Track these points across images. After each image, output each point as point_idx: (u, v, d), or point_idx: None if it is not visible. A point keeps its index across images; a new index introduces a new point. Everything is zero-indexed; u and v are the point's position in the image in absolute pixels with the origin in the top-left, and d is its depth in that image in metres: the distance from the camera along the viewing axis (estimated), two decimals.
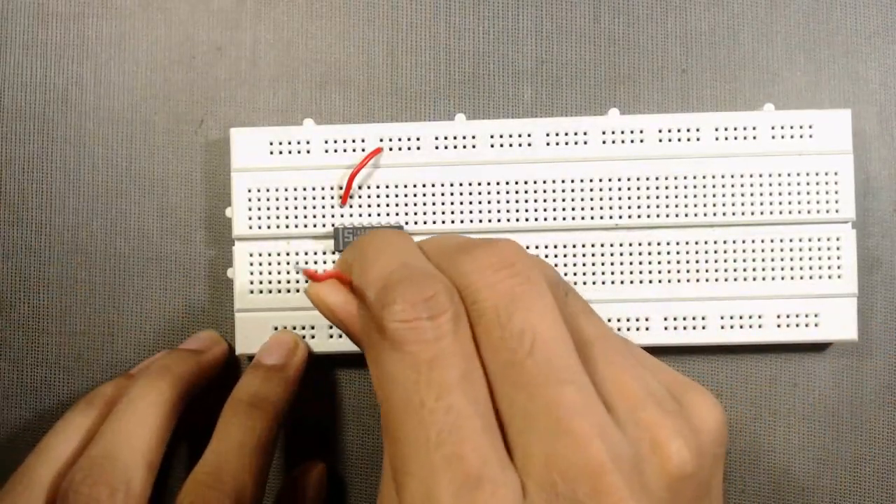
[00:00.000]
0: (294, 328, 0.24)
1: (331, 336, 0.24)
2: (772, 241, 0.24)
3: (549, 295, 0.15)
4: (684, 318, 0.24)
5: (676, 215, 0.24)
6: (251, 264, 0.24)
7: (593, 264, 0.24)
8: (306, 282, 0.24)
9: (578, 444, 0.13)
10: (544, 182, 0.24)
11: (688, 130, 0.24)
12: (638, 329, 0.24)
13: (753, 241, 0.24)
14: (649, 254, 0.24)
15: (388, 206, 0.24)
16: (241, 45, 0.26)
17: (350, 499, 0.26)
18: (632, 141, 0.24)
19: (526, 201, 0.24)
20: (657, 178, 0.24)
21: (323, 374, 0.26)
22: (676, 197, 0.24)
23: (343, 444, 0.26)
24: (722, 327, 0.24)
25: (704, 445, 0.15)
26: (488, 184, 0.24)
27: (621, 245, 0.24)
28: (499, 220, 0.24)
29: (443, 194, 0.24)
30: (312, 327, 0.24)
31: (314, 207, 0.24)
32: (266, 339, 0.24)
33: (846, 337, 0.24)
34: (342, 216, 0.24)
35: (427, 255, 0.17)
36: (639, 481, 0.13)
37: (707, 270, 0.24)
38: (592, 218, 0.24)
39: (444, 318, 0.14)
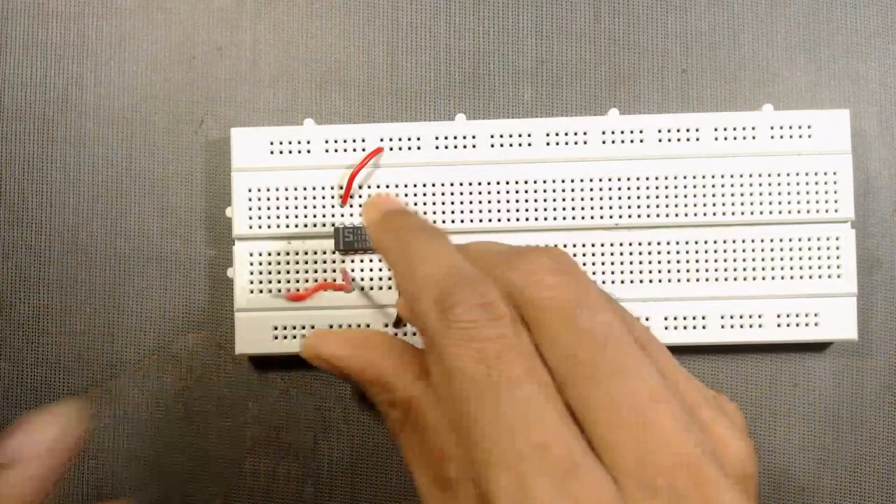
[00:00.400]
0: (294, 328, 0.24)
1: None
2: (771, 240, 0.24)
3: (605, 299, 0.15)
4: (684, 318, 0.24)
5: (676, 215, 0.24)
6: (251, 264, 0.24)
7: (593, 264, 0.24)
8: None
9: (669, 437, 0.13)
10: (544, 182, 0.24)
11: (687, 130, 0.24)
12: None
13: (753, 241, 0.24)
14: (649, 254, 0.24)
15: None
16: (241, 45, 0.26)
17: (350, 499, 0.26)
18: (632, 141, 0.24)
19: (526, 201, 0.24)
20: (657, 178, 0.24)
21: (323, 374, 0.26)
22: (676, 197, 0.24)
23: (343, 445, 0.26)
24: (722, 327, 0.24)
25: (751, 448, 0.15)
26: (488, 184, 0.24)
27: (621, 245, 0.24)
28: (499, 220, 0.24)
29: (443, 194, 0.24)
30: (312, 327, 0.24)
31: (314, 207, 0.24)
32: (266, 339, 0.24)
33: (846, 337, 0.24)
34: (342, 216, 0.24)
35: (471, 257, 0.17)
36: (724, 474, 0.13)
37: (707, 270, 0.24)
38: (592, 218, 0.24)
39: (504, 320, 0.15)
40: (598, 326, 0.14)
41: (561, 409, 0.14)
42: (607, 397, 0.14)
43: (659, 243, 0.24)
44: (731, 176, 0.24)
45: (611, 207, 0.24)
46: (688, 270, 0.24)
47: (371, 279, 0.24)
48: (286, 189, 0.24)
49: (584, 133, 0.24)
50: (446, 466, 0.16)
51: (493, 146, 0.25)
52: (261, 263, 0.24)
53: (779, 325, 0.24)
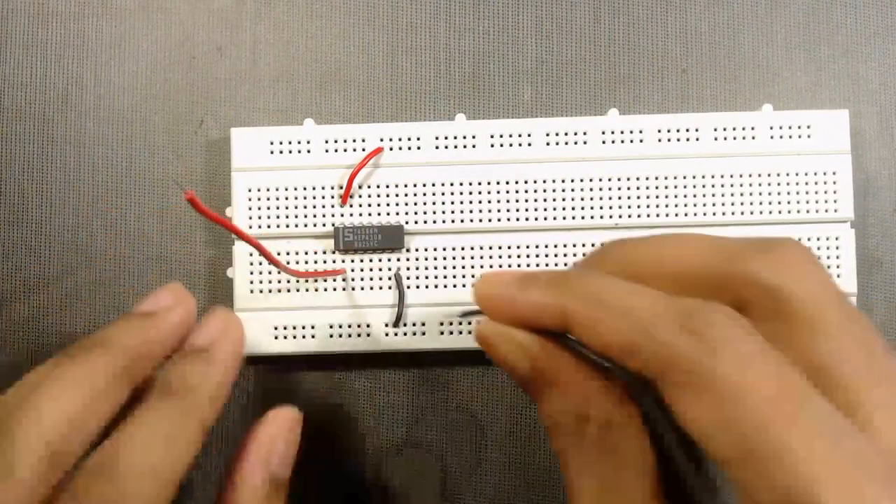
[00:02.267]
0: (294, 328, 0.24)
1: (331, 336, 0.24)
2: None
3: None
4: None
5: (676, 215, 0.24)
6: (251, 264, 0.24)
7: None
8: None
9: None
10: (544, 182, 0.24)
11: (687, 130, 0.24)
12: None
13: None
14: None
15: (388, 205, 0.24)
16: (241, 45, 0.26)
17: (351, 500, 0.26)
18: (631, 141, 0.24)
19: (526, 201, 0.24)
20: (657, 178, 0.24)
21: (323, 374, 0.26)
22: (676, 197, 0.24)
23: (343, 445, 0.26)
24: None
25: None
26: (488, 184, 0.24)
27: None
28: (499, 220, 0.24)
29: (443, 194, 0.24)
30: (313, 327, 0.24)
31: (314, 207, 0.24)
32: (266, 339, 0.24)
33: None
34: (342, 216, 0.24)
35: (674, 262, 0.16)
36: None
37: None
38: (592, 218, 0.24)
39: (757, 332, 0.14)
40: (864, 327, 0.14)
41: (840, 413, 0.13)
42: (885, 399, 0.13)
43: None
44: (731, 176, 0.24)
45: (611, 207, 0.24)
46: None
47: (371, 279, 0.24)
48: (286, 189, 0.24)
49: (584, 133, 0.25)
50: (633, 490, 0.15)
51: (493, 146, 0.25)
52: (261, 263, 0.24)
53: None
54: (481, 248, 0.24)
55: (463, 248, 0.24)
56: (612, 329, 0.15)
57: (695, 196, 0.24)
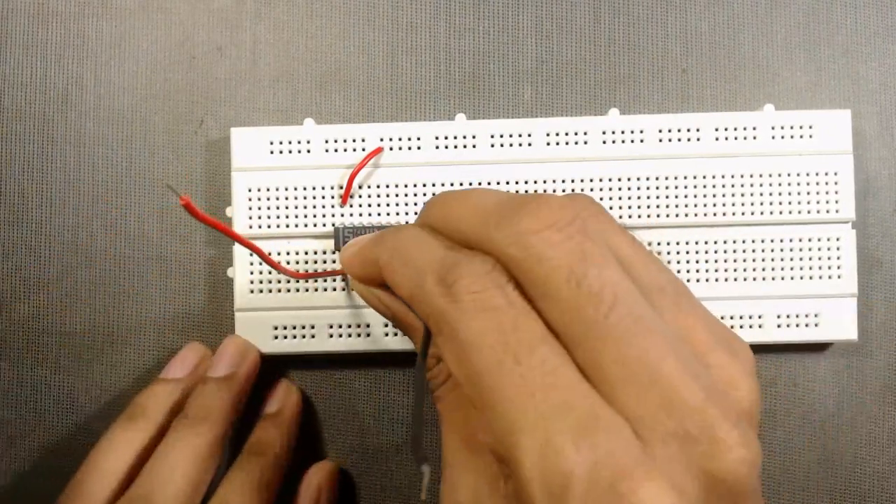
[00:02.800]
0: (294, 327, 0.24)
1: (330, 336, 0.24)
2: (772, 241, 0.24)
3: (610, 251, 0.15)
4: None
5: (676, 215, 0.24)
6: (251, 264, 0.24)
7: None
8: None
9: (677, 386, 0.14)
10: (544, 182, 0.24)
11: (688, 130, 0.24)
12: None
13: (753, 241, 0.24)
14: None
15: (388, 205, 0.24)
16: (241, 45, 0.26)
17: (351, 500, 0.26)
18: (632, 141, 0.24)
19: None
20: (657, 178, 0.24)
21: (323, 374, 0.26)
22: (676, 197, 0.24)
23: (343, 445, 0.26)
24: None
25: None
26: (488, 183, 0.24)
27: None
28: None
29: None
30: (312, 327, 0.24)
31: (314, 207, 0.24)
32: (266, 339, 0.24)
33: (846, 337, 0.24)
34: (342, 216, 0.24)
35: (454, 222, 0.17)
36: (734, 415, 0.14)
37: (707, 270, 0.24)
38: None
39: (510, 286, 0.15)
40: (605, 287, 0.14)
41: (576, 368, 0.14)
42: (618, 357, 0.14)
43: (659, 243, 0.24)
44: (732, 176, 0.24)
45: (611, 207, 0.24)
46: (688, 271, 0.24)
47: None
48: (286, 189, 0.24)
49: (584, 133, 0.24)
50: (479, 432, 0.16)
51: (493, 146, 0.24)
52: (261, 263, 0.24)
53: (779, 326, 0.24)
54: None
55: None
56: (400, 280, 0.17)
57: (695, 196, 0.24)
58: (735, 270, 0.24)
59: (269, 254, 0.24)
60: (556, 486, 0.13)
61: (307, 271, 0.24)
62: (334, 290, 0.24)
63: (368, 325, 0.24)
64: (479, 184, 0.24)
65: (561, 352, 0.14)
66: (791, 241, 0.24)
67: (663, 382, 0.14)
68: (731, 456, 0.13)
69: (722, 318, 0.24)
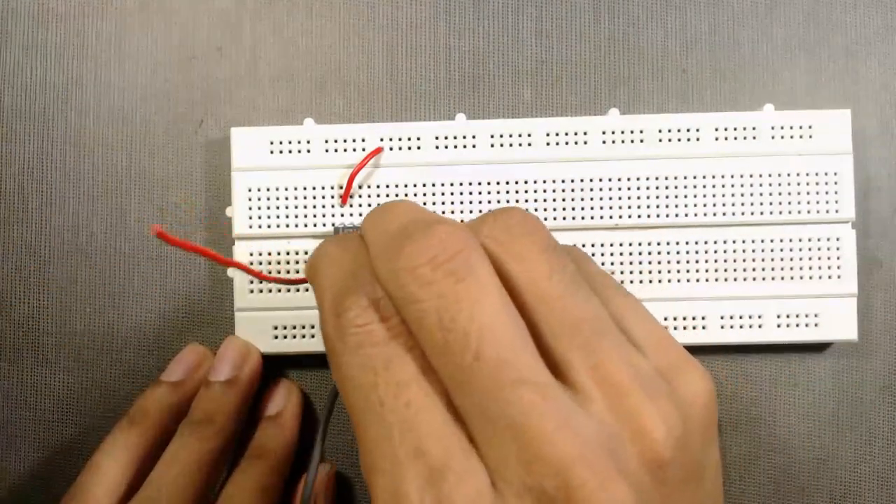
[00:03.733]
0: (294, 327, 0.24)
1: None
2: (772, 241, 0.24)
3: (497, 288, 0.14)
4: (684, 318, 0.24)
5: (676, 215, 0.24)
6: (251, 264, 0.24)
7: None
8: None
9: (542, 441, 0.13)
10: (544, 182, 0.24)
11: (688, 130, 0.24)
12: None
13: (753, 241, 0.24)
14: (649, 254, 0.24)
15: None
16: (241, 45, 0.26)
17: (351, 500, 0.26)
18: (632, 141, 0.24)
19: (526, 201, 0.24)
20: (657, 178, 0.24)
21: (323, 374, 0.26)
22: (676, 197, 0.24)
23: (343, 445, 0.26)
24: (722, 327, 0.24)
25: (692, 427, 0.15)
26: (488, 184, 0.24)
27: (621, 245, 0.24)
28: None
29: (443, 194, 0.24)
30: (312, 327, 0.24)
31: (314, 207, 0.24)
32: (266, 339, 0.24)
33: (846, 337, 0.24)
34: (342, 216, 0.24)
35: (369, 241, 0.16)
36: (614, 468, 0.13)
37: (707, 270, 0.24)
38: (592, 218, 0.24)
39: (393, 320, 0.15)
40: (472, 333, 0.14)
41: (445, 414, 0.14)
42: (483, 407, 0.14)
43: (659, 243, 0.24)
44: (732, 176, 0.24)
45: (611, 207, 0.24)
46: (688, 271, 0.24)
47: None
48: (286, 189, 0.24)
49: (584, 133, 0.24)
50: None
51: (493, 146, 0.24)
52: (261, 263, 0.24)
53: (779, 326, 0.24)
54: None
55: None
56: (315, 294, 0.17)
57: (695, 196, 0.24)
58: (735, 270, 0.24)
59: (269, 254, 0.25)
60: None
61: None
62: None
63: None
64: (480, 184, 0.24)
65: (430, 393, 0.14)
66: (791, 241, 0.24)
67: (526, 437, 0.13)
68: None
69: (722, 318, 0.24)
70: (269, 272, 0.24)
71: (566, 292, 0.15)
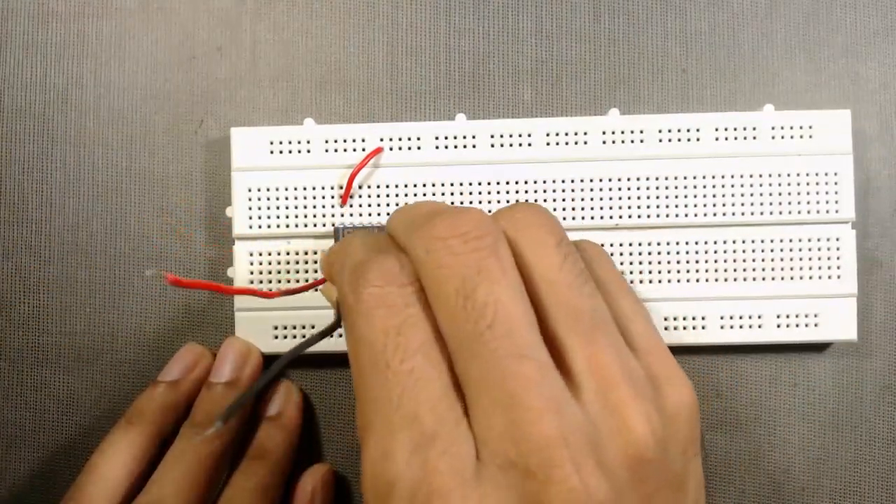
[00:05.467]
0: (294, 327, 0.24)
1: (331, 336, 0.24)
2: (772, 241, 0.24)
3: (515, 271, 0.15)
4: (684, 318, 0.24)
5: (676, 215, 0.24)
6: (251, 264, 0.24)
7: None
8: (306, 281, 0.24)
9: (531, 417, 0.14)
10: (544, 182, 0.24)
11: (688, 130, 0.24)
12: None
13: (753, 241, 0.24)
14: (649, 254, 0.24)
15: (388, 205, 0.24)
16: (241, 45, 0.26)
17: (350, 499, 0.26)
18: (632, 141, 0.24)
19: (526, 201, 0.24)
20: (657, 178, 0.24)
21: (323, 374, 0.26)
22: (676, 197, 0.24)
23: (343, 445, 0.26)
24: (722, 327, 0.24)
25: (673, 435, 0.15)
26: (488, 184, 0.24)
27: (621, 245, 0.24)
28: None
29: (443, 194, 0.24)
30: (313, 327, 0.24)
31: (314, 207, 0.24)
32: (266, 339, 0.24)
33: (846, 337, 0.24)
34: (342, 216, 0.24)
35: (394, 226, 0.17)
36: (594, 458, 0.14)
37: (707, 270, 0.24)
38: (592, 218, 0.24)
39: (411, 288, 0.16)
40: (489, 305, 0.15)
41: (446, 382, 0.15)
42: (482, 375, 0.14)
43: (659, 243, 0.24)
44: (732, 176, 0.24)
45: (611, 207, 0.24)
46: (688, 271, 0.24)
47: None
48: (286, 189, 0.24)
49: (585, 133, 0.24)
50: None
51: (493, 146, 0.24)
52: (261, 263, 0.24)
53: (779, 326, 0.24)
54: None
55: None
56: (334, 275, 0.18)
57: (695, 196, 0.24)
58: (735, 270, 0.24)
59: (269, 254, 0.25)
60: (381, 492, 0.14)
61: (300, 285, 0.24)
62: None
63: None
64: (480, 184, 0.24)
65: (438, 361, 0.15)
66: (791, 241, 0.24)
67: (518, 411, 0.14)
68: (558, 500, 0.13)
69: (722, 318, 0.24)
70: (270, 272, 0.24)
71: (574, 283, 0.16)
